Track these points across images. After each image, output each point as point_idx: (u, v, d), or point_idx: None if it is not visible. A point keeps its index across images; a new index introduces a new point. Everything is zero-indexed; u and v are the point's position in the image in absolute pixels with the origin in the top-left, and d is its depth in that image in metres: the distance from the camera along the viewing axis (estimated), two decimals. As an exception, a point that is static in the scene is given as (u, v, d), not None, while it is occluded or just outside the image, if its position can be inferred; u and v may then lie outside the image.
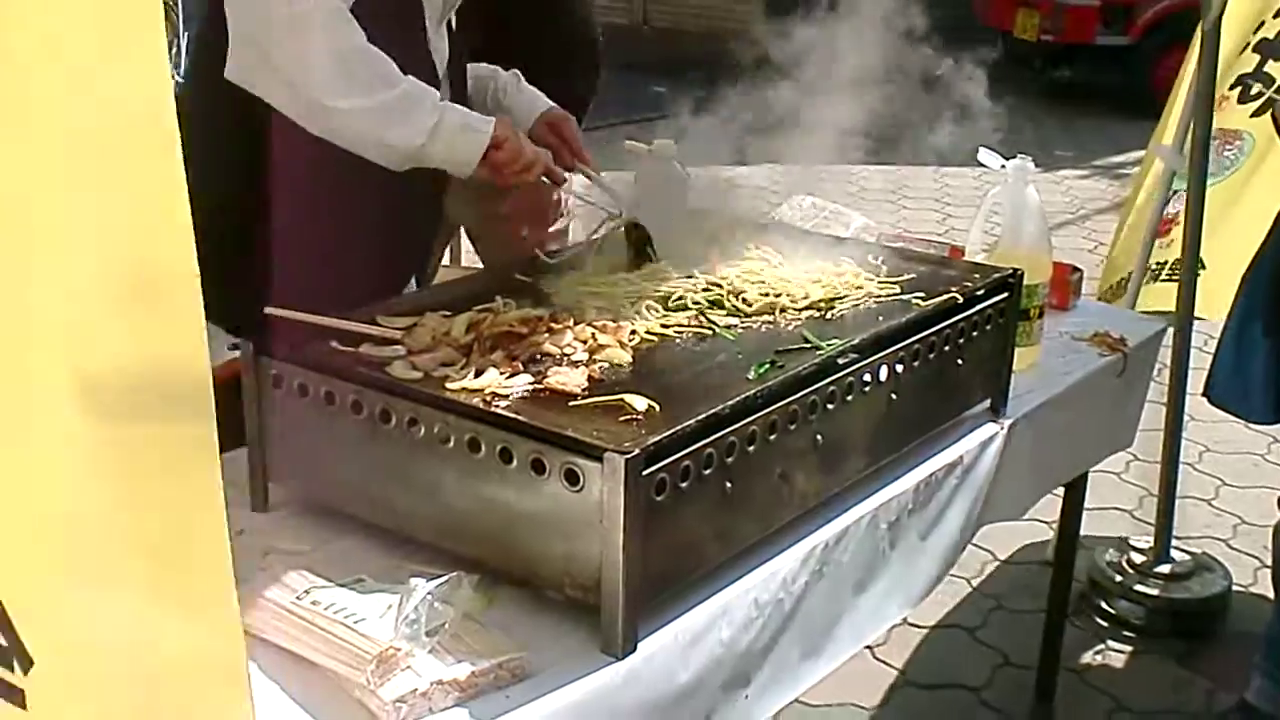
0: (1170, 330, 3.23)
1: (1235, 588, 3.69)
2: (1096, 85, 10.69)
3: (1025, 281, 2.24)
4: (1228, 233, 3.51)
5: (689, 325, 1.95)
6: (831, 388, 1.80)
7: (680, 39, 12.06)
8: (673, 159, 2.34)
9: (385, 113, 2.07)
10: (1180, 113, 3.61)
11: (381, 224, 2.23)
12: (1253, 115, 3.62)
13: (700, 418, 1.59)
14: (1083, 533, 3.02)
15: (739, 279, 2.09)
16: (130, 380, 0.98)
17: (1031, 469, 2.37)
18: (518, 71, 2.51)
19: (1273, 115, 3.23)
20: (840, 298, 2.06)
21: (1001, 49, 10.63)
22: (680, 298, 2.03)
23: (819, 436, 1.79)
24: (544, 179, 2.28)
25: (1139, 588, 3.63)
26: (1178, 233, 3.54)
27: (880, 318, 2.00)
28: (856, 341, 1.89)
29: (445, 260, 3.64)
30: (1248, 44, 3.63)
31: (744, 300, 2.03)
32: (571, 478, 1.51)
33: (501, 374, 1.70)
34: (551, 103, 2.49)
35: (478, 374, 1.70)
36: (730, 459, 1.63)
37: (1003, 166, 2.52)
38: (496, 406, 1.63)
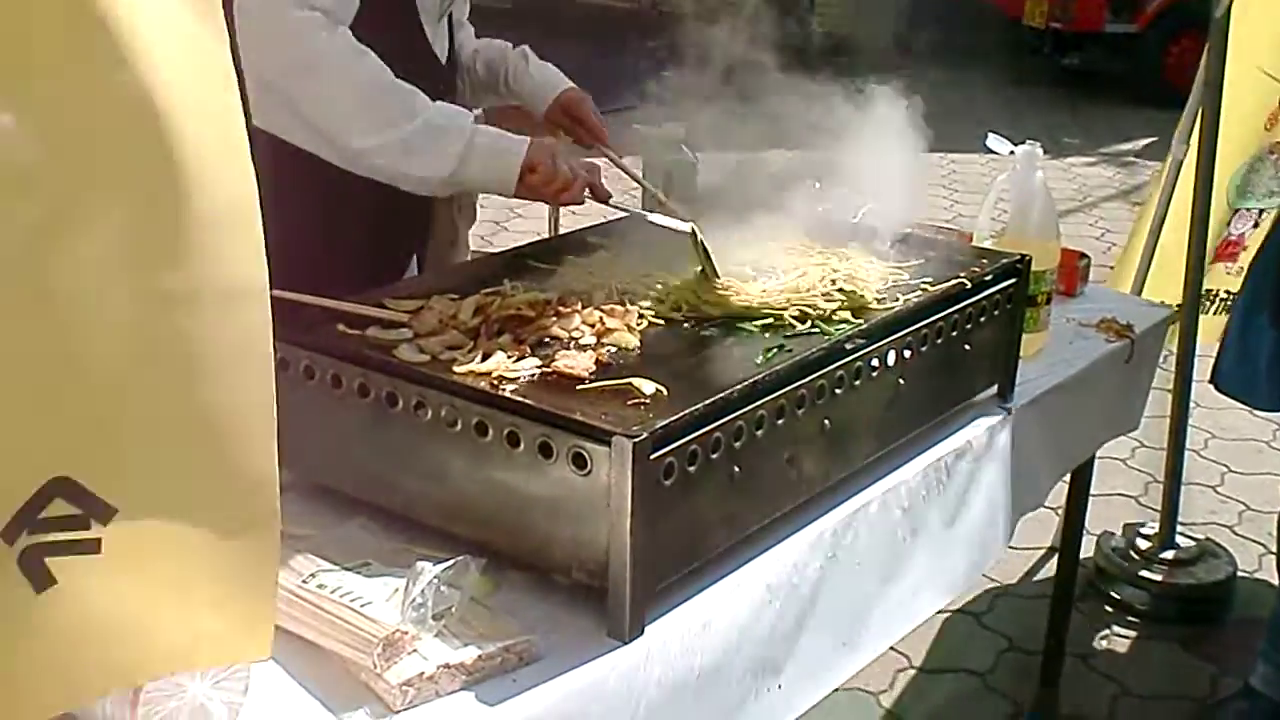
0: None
1: (1240, 573, 3.70)
2: (1105, 73, 10.66)
3: (1033, 267, 2.24)
4: None
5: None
6: (839, 372, 1.79)
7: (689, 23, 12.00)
8: (681, 143, 2.33)
9: (407, 146, 2.04)
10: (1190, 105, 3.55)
11: (374, 204, 2.18)
12: None
13: (708, 402, 1.58)
14: (1088, 518, 3.02)
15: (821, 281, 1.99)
16: (193, 284, 1.10)
17: (1039, 455, 2.37)
18: (526, 48, 2.45)
19: None
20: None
21: (1011, 35, 10.64)
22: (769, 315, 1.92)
23: (826, 421, 1.79)
24: (587, 196, 2.19)
25: (1144, 573, 3.64)
26: (1246, 259, 3.44)
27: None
28: (864, 326, 1.88)
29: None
30: None
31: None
32: (579, 461, 1.51)
33: (509, 357, 1.70)
34: (567, 80, 2.42)
35: (485, 357, 1.70)
36: (738, 443, 1.62)
37: (1011, 152, 2.52)
38: (504, 390, 1.62)
